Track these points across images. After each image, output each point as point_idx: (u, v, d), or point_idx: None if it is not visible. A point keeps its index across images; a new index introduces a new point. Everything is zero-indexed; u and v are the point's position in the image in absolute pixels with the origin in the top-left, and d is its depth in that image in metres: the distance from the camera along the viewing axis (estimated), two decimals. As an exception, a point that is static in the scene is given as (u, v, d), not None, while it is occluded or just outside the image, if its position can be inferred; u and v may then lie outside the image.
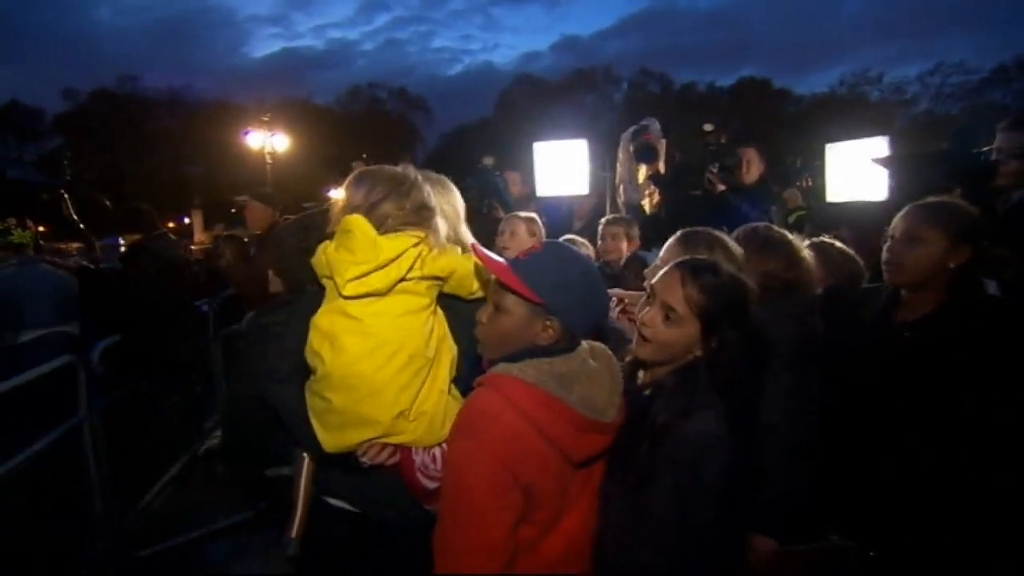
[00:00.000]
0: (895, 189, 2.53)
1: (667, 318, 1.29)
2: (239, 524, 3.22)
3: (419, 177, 1.44)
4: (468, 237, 1.63)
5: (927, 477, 1.56)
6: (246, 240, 3.87)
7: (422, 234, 1.38)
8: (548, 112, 35.51)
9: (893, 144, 2.91)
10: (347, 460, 1.40)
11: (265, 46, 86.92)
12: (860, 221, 3.11)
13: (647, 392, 1.36)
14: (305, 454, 1.62)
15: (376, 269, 1.30)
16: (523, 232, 2.68)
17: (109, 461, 3.02)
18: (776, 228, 1.87)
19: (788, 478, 1.61)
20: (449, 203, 1.65)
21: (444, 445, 1.40)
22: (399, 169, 1.44)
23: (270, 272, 2.51)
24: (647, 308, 1.33)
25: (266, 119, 18.35)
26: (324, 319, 1.37)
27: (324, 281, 1.39)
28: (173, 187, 33.51)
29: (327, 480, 1.58)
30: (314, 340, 1.37)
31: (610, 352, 1.35)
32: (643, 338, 1.34)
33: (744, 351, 1.32)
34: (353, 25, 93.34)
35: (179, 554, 3.07)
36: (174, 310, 3.66)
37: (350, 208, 1.36)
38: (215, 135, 32.94)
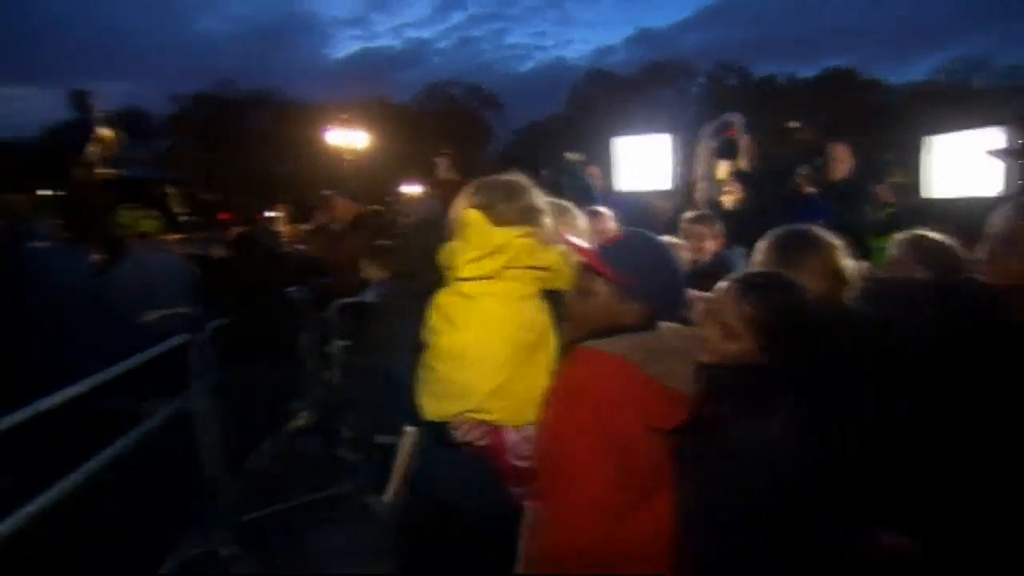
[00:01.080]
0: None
1: (724, 334, 1.35)
2: (327, 499, 3.46)
3: (529, 185, 1.58)
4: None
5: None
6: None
7: (530, 229, 1.50)
8: (622, 107, 34.85)
9: (1012, 135, 2.67)
10: (444, 432, 1.51)
11: (345, 47, 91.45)
12: (966, 218, 2.90)
13: (699, 385, 1.39)
14: (409, 426, 1.77)
15: (488, 255, 1.45)
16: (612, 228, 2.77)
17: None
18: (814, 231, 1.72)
19: None
20: (565, 222, 1.79)
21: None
22: (510, 178, 1.60)
23: (363, 260, 2.77)
24: (706, 325, 1.39)
25: (345, 117, 19.15)
26: (444, 298, 1.53)
27: (447, 272, 1.54)
28: (263, 184, 35.83)
29: (420, 473, 1.72)
30: (432, 316, 1.53)
31: (690, 332, 1.42)
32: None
33: (817, 356, 1.33)
34: (429, 24, 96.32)
35: (273, 522, 3.30)
36: (277, 295, 3.99)
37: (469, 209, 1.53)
38: (298, 134, 34.81)
